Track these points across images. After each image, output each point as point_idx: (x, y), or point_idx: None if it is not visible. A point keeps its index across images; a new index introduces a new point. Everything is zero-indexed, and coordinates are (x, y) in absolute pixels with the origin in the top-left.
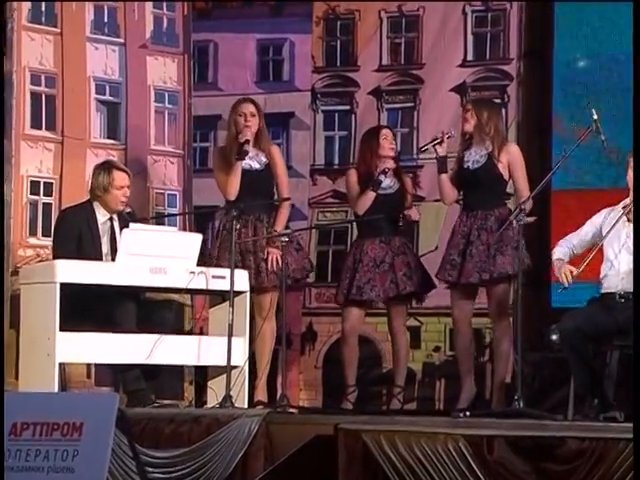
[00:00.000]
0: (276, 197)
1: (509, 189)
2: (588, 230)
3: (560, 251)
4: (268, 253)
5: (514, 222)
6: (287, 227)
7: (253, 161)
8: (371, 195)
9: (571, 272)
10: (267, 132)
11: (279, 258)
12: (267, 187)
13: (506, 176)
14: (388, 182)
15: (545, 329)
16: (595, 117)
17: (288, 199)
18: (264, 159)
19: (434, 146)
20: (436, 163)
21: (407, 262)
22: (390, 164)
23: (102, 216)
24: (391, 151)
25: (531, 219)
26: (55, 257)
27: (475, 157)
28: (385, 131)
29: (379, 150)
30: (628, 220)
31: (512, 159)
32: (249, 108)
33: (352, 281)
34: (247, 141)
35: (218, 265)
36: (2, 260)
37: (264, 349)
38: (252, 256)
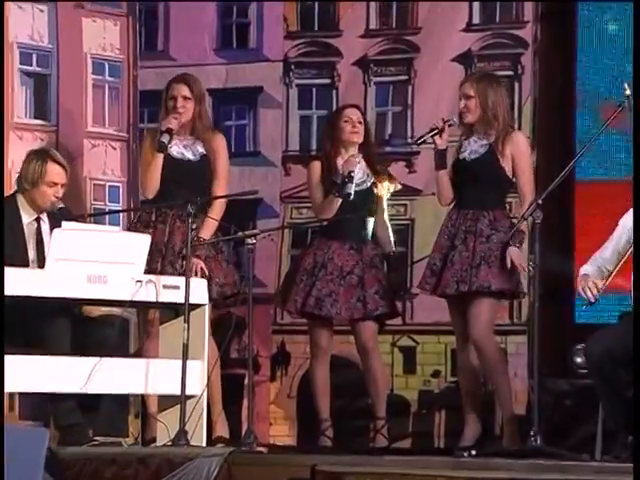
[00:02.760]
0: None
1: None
2: (621, 235)
3: (588, 268)
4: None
5: (525, 221)
6: (253, 227)
7: (187, 150)
8: (335, 202)
9: (596, 285)
10: (209, 117)
11: (204, 268)
12: (200, 181)
13: (509, 172)
14: (359, 176)
15: (567, 350)
16: (628, 93)
17: (218, 197)
18: (200, 149)
19: (432, 137)
20: (434, 156)
21: (380, 278)
22: (353, 152)
23: (28, 215)
24: (354, 136)
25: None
26: None
27: (474, 147)
28: (348, 111)
29: (341, 135)
30: None
31: (516, 151)
32: (181, 90)
33: (310, 289)
34: (169, 130)
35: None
36: None
37: (217, 375)
38: (160, 259)
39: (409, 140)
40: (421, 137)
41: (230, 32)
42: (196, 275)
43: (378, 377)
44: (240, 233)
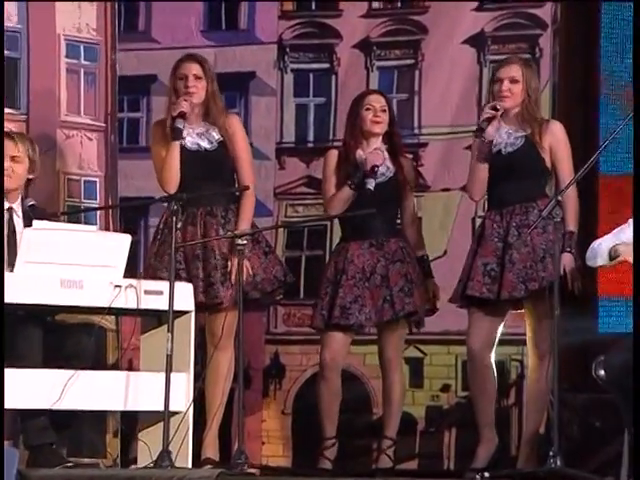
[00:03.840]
0: (236, 185)
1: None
2: None
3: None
4: (230, 261)
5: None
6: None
7: (202, 139)
8: (348, 193)
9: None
10: (222, 99)
11: (248, 267)
12: (222, 172)
13: (549, 163)
14: (382, 171)
15: (590, 362)
16: None
17: (247, 187)
18: (216, 135)
19: (486, 126)
20: (477, 148)
21: (405, 273)
22: (377, 146)
23: None
24: (376, 126)
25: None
26: None
27: (508, 139)
28: (371, 98)
29: (362, 125)
30: None
31: (555, 141)
32: (192, 69)
33: (334, 299)
34: (182, 114)
35: (154, 277)
36: None
37: (216, 389)
38: (200, 264)
39: (415, 131)
40: (479, 128)
41: (219, 12)
42: (235, 275)
43: (396, 393)
44: (229, 233)
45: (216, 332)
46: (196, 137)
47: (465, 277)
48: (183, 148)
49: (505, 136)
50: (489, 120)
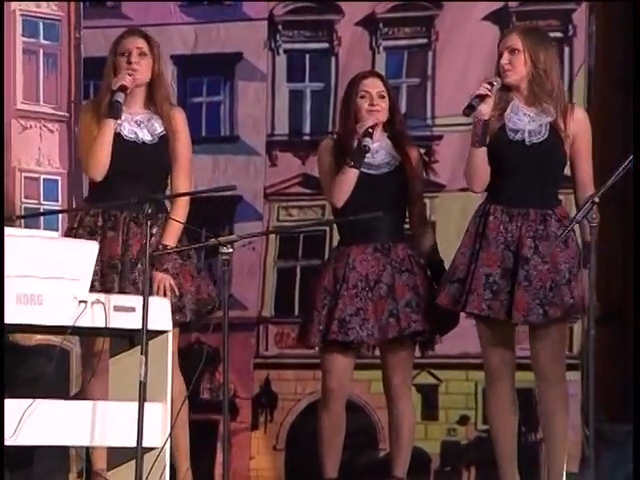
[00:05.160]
0: (169, 190)
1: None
2: None
3: None
4: (156, 279)
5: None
6: (230, 232)
7: (141, 128)
8: (350, 174)
9: None
10: (169, 86)
11: (173, 286)
12: (158, 170)
13: (567, 156)
14: (382, 157)
15: (630, 387)
16: None
17: (183, 194)
18: (159, 128)
19: (478, 103)
20: (473, 130)
21: (413, 285)
22: (377, 136)
23: None
24: (373, 115)
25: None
26: None
27: (531, 125)
28: (367, 82)
29: (357, 113)
30: None
31: (579, 130)
32: (137, 43)
33: (332, 312)
34: (123, 87)
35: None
36: None
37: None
38: (117, 276)
39: (428, 121)
40: (470, 105)
41: None
42: (165, 295)
43: (406, 426)
44: (213, 240)
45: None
46: (134, 125)
47: (462, 283)
48: (118, 136)
49: (526, 120)
50: (482, 97)
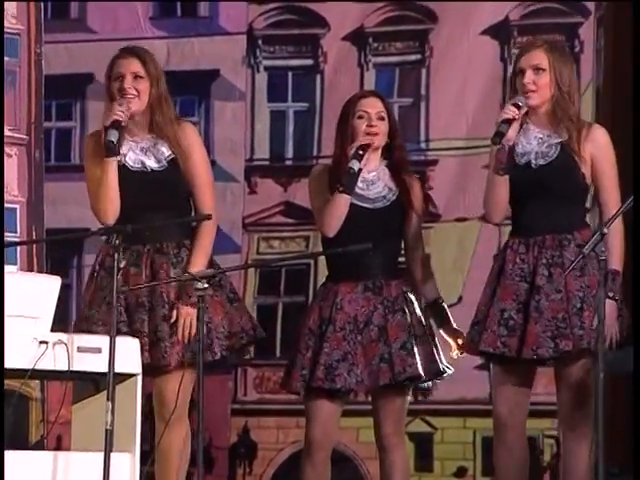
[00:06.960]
0: (193, 214)
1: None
2: None
3: None
4: (178, 314)
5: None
6: (211, 264)
7: (148, 155)
8: (341, 200)
9: None
10: (171, 104)
11: (192, 322)
12: (174, 198)
13: (588, 179)
14: (378, 189)
15: None
16: None
17: (208, 217)
18: (166, 151)
19: (507, 130)
20: (496, 156)
21: (408, 326)
22: (375, 162)
23: None
24: (370, 139)
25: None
26: None
27: (540, 148)
28: (365, 102)
29: (353, 135)
30: None
31: (598, 152)
32: (131, 66)
33: (317, 356)
34: (115, 123)
35: (89, 331)
36: None
37: (168, 473)
38: (146, 314)
39: (422, 145)
40: (498, 132)
41: None
42: (189, 333)
43: (398, 478)
44: (186, 274)
45: (166, 401)
46: (140, 153)
47: (481, 323)
48: (124, 168)
49: (535, 143)
50: (509, 122)
